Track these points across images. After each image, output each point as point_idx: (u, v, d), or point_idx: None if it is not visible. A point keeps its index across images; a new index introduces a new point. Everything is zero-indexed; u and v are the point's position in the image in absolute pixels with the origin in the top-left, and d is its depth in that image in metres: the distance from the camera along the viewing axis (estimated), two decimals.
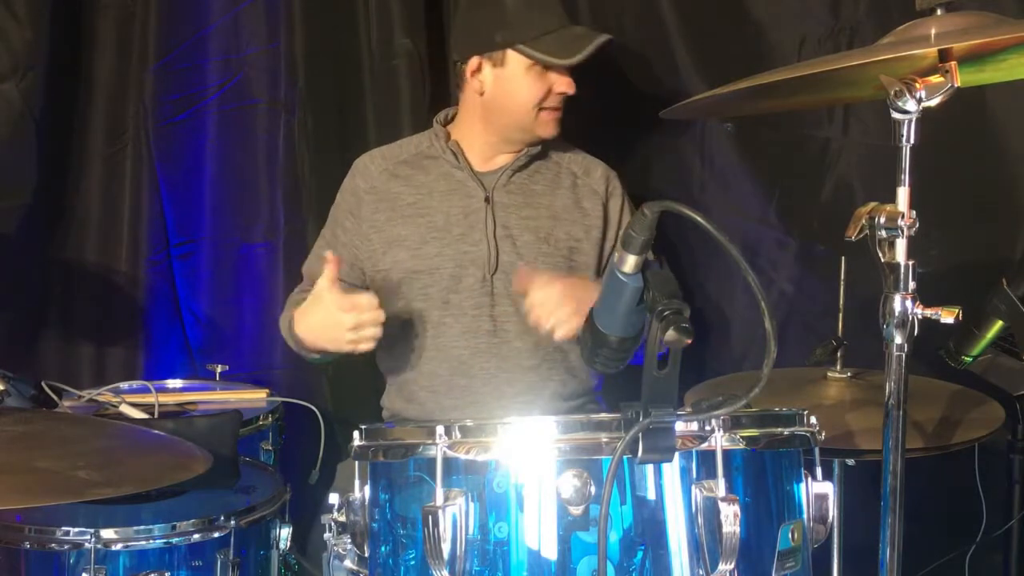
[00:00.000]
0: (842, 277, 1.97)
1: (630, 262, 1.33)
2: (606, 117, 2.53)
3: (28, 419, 1.69)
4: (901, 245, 1.31)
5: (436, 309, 2.13)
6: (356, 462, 1.40)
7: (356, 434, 1.39)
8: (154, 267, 2.64)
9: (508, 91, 2.10)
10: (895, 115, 1.30)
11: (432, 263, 2.12)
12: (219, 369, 2.43)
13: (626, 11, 2.49)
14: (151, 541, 1.69)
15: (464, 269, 2.12)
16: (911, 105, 1.28)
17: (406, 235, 2.14)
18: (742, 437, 1.35)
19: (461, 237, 2.12)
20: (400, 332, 2.17)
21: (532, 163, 2.19)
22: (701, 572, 1.31)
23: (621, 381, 1.32)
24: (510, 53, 2.07)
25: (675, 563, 1.32)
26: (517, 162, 2.16)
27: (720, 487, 1.29)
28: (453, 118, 2.24)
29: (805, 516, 1.41)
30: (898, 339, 1.32)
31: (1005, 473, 2.12)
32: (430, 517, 1.28)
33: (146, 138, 2.60)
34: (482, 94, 2.12)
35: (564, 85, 2.09)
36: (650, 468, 1.32)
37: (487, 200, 2.14)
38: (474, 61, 2.11)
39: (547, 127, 2.12)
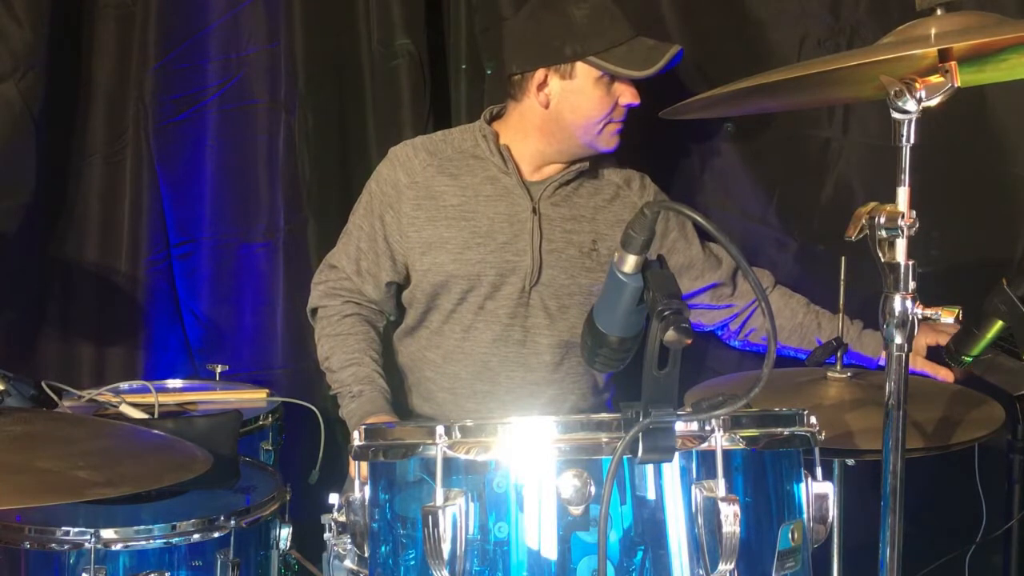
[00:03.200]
0: (842, 277, 1.97)
1: (630, 262, 1.33)
2: None
3: (28, 419, 1.69)
4: (901, 245, 1.31)
5: (470, 313, 2.12)
6: (356, 462, 1.40)
7: (356, 434, 1.39)
8: (154, 267, 2.64)
9: (576, 104, 2.06)
10: (895, 115, 1.30)
11: (474, 269, 2.09)
12: (219, 369, 2.42)
13: (626, 11, 2.48)
14: (151, 541, 1.69)
15: (505, 278, 2.10)
16: (911, 105, 1.28)
17: (449, 238, 2.10)
18: (742, 437, 1.35)
19: (505, 245, 2.10)
20: (428, 330, 2.17)
21: (578, 176, 2.16)
22: (701, 572, 1.31)
23: (633, 394, 1.31)
24: (580, 65, 2.04)
25: (675, 563, 1.31)
26: (566, 176, 2.13)
27: (720, 487, 1.29)
28: (498, 116, 2.20)
29: (805, 516, 1.41)
30: (898, 339, 1.32)
31: (1005, 473, 2.12)
32: (430, 517, 1.28)
33: (146, 138, 2.60)
34: (547, 107, 2.07)
35: (631, 96, 2.06)
36: (650, 468, 1.32)
37: (534, 211, 2.11)
38: (540, 73, 2.06)
39: (610, 141, 2.10)
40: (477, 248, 2.09)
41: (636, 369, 1.30)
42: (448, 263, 2.10)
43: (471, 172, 2.14)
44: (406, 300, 2.21)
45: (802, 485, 1.41)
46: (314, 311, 2.26)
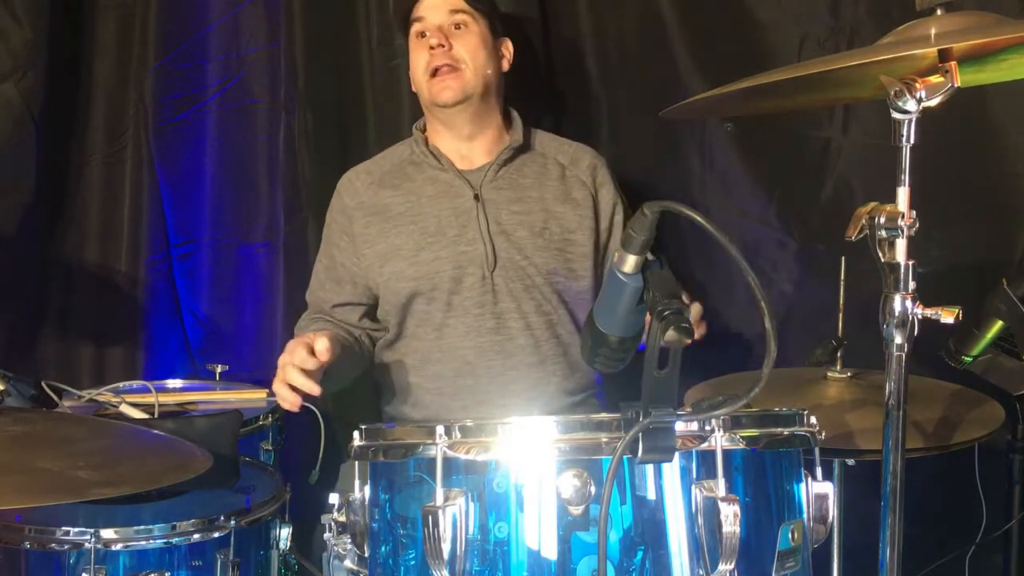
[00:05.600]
0: (842, 277, 1.97)
1: (630, 262, 1.33)
2: (606, 117, 2.53)
3: (28, 419, 1.69)
4: (901, 245, 1.31)
5: (439, 312, 2.13)
6: (356, 462, 1.40)
7: (356, 434, 1.39)
8: (154, 267, 2.64)
9: (411, 69, 2.19)
10: (895, 115, 1.30)
11: (431, 268, 2.12)
12: (219, 369, 2.42)
13: (626, 11, 2.49)
14: (151, 541, 1.69)
15: (463, 269, 2.12)
16: (911, 105, 1.28)
17: (400, 244, 2.14)
18: (742, 437, 1.35)
19: (456, 238, 2.12)
20: (406, 338, 2.18)
21: (517, 157, 2.20)
22: (701, 572, 1.31)
23: (622, 380, 1.31)
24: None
25: (675, 563, 1.32)
26: (501, 156, 2.17)
27: (720, 487, 1.29)
28: None
29: (805, 516, 1.41)
30: (898, 339, 1.32)
31: (1005, 473, 2.13)
32: (430, 517, 1.28)
33: (146, 138, 2.60)
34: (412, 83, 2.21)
35: (426, 31, 2.13)
36: (650, 468, 1.32)
37: (476, 198, 2.14)
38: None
39: (438, 92, 2.13)
40: (430, 247, 2.13)
41: (636, 369, 1.30)
42: (406, 268, 2.13)
43: (410, 178, 2.19)
44: (381, 317, 2.23)
45: (802, 485, 1.41)
46: None
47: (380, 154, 2.29)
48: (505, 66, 2.22)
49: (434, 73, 2.12)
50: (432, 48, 2.11)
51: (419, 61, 2.14)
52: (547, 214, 2.16)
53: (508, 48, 2.23)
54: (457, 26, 2.13)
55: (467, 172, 2.17)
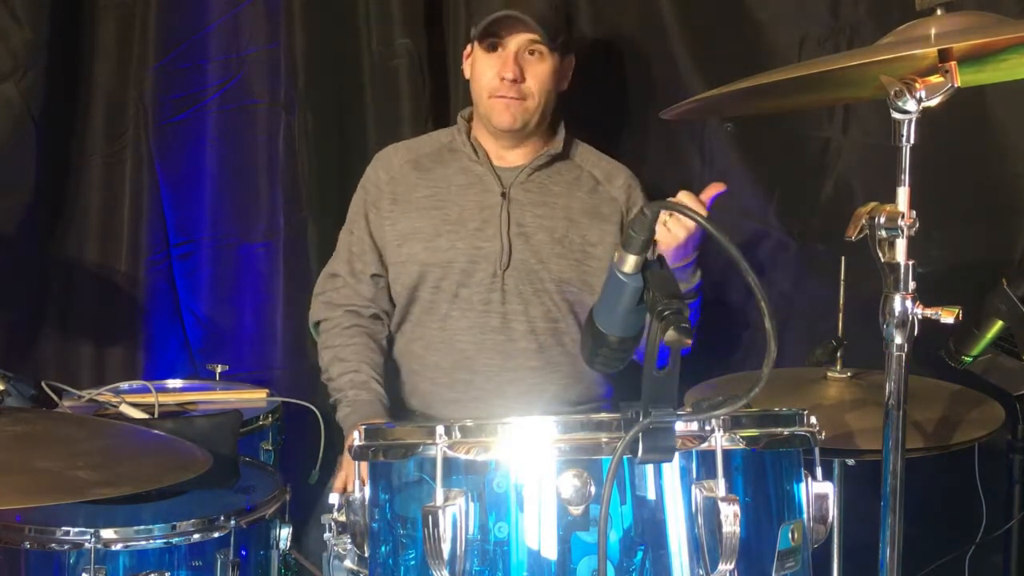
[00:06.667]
0: (842, 277, 1.97)
1: (630, 262, 1.33)
2: (606, 117, 2.53)
3: (28, 419, 1.69)
4: (901, 245, 1.31)
5: (445, 302, 2.14)
6: (356, 462, 1.40)
7: (356, 434, 1.39)
8: (154, 267, 2.64)
9: (474, 75, 2.15)
10: (895, 115, 1.30)
11: (445, 256, 2.12)
12: (219, 369, 2.42)
13: (626, 11, 2.49)
14: (151, 541, 1.69)
15: (476, 264, 2.12)
16: (911, 105, 1.28)
17: (421, 227, 2.15)
18: (742, 437, 1.35)
19: (476, 232, 2.13)
20: (411, 324, 2.18)
21: (553, 163, 2.19)
22: (701, 572, 1.31)
23: (633, 393, 1.31)
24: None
25: (675, 563, 1.31)
26: (537, 161, 2.16)
27: (720, 487, 1.29)
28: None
29: (805, 516, 1.41)
30: (898, 339, 1.32)
31: (1005, 473, 2.13)
32: (430, 517, 1.28)
33: (146, 138, 2.60)
34: (468, 81, 2.18)
35: (501, 67, 2.08)
36: (650, 468, 1.32)
37: (503, 196, 2.14)
38: (468, 49, 2.18)
39: (498, 115, 2.10)
40: (448, 235, 2.13)
41: (636, 369, 1.30)
42: (420, 252, 2.14)
43: (445, 164, 2.20)
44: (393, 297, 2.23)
45: (802, 485, 1.41)
46: (317, 324, 2.28)
47: (424, 135, 2.30)
48: (564, 85, 2.19)
49: (496, 97, 2.10)
50: (503, 79, 2.07)
51: (485, 77, 2.10)
52: (570, 223, 2.15)
53: (571, 64, 2.19)
54: (532, 52, 2.09)
55: (501, 169, 2.17)
